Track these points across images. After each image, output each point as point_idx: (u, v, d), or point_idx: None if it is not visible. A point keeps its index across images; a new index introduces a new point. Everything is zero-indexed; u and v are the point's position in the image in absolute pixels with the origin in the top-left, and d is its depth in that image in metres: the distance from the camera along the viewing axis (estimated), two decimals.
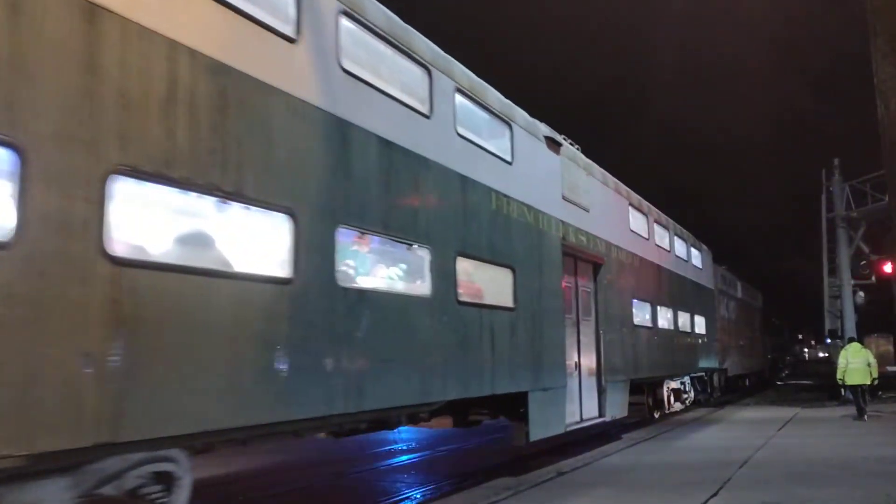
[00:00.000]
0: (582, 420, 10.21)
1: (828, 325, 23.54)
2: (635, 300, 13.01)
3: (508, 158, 8.31)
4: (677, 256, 16.43)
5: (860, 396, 14.94)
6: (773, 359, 38.80)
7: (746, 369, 26.05)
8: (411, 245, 6.28)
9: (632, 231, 13.07)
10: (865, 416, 14.67)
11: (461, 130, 7.21)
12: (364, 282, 5.73)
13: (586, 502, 6.80)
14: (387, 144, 5.94)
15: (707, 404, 20.11)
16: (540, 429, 8.52)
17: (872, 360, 15.38)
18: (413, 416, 6.92)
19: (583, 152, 13.29)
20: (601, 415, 10.88)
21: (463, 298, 7.08)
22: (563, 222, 9.73)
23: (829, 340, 24.57)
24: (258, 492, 8.30)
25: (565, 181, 9.99)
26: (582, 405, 10.26)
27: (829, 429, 13.22)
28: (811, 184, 24.89)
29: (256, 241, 4.73)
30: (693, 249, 18.35)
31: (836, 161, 23.23)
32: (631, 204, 13.20)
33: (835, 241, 22.80)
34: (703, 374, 19.36)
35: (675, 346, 15.77)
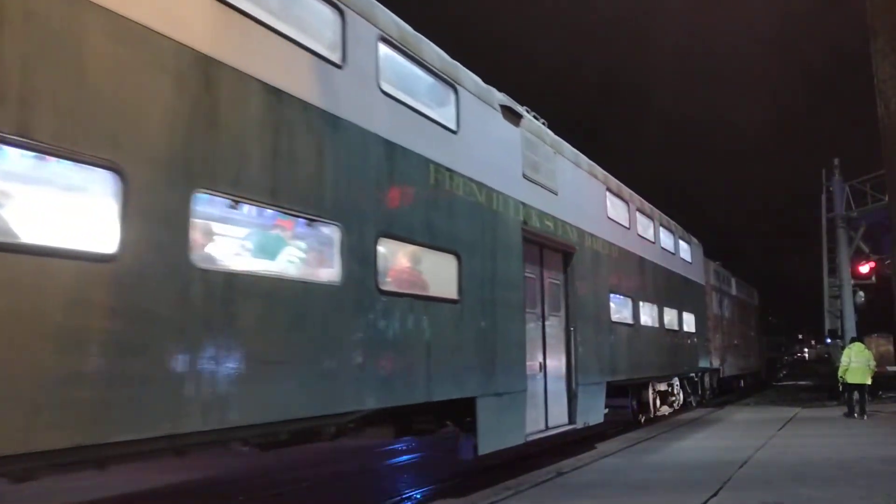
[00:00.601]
0: (548, 428, 9.06)
1: (828, 325, 23.47)
2: (614, 295, 11.86)
3: (452, 127, 7.16)
4: (663, 249, 15.28)
5: (860, 395, 15.17)
6: (771, 359, 37.64)
7: (741, 370, 24.90)
8: (311, 221, 5.13)
9: (610, 219, 11.92)
10: (865, 416, 14.87)
11: (387, 88, 6.06)
12: (237, 263, 4.58)
13: (586, 502, 6.77)
14: (275, 94, 4.79)
15: (699, 407, 19.03)
16: (491, 439, 7.37)
17: (873, 362, 15.65)
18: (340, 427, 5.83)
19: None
20: (572, 421, 9.74)
21: (387, 287, 5.94)
22: (523, 204, 8.58)
23: (828, 340, 24.68)
24: (258, 491, 8.24)
25: (527, 158, 8.84)
26: (548, 411, 9.11)
27: (829, 429, 13.09)
28: (811, 183, 24.99)
29: None
30: (681, 242, 17.20)
31: (836, 161, 23.18)
32: (609, 189, 12.05)
33: (835, 241, 22.81)
34: (694, 375, 18.22)
35: (661, 345, 14.62)
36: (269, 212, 4.80)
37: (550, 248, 9.54)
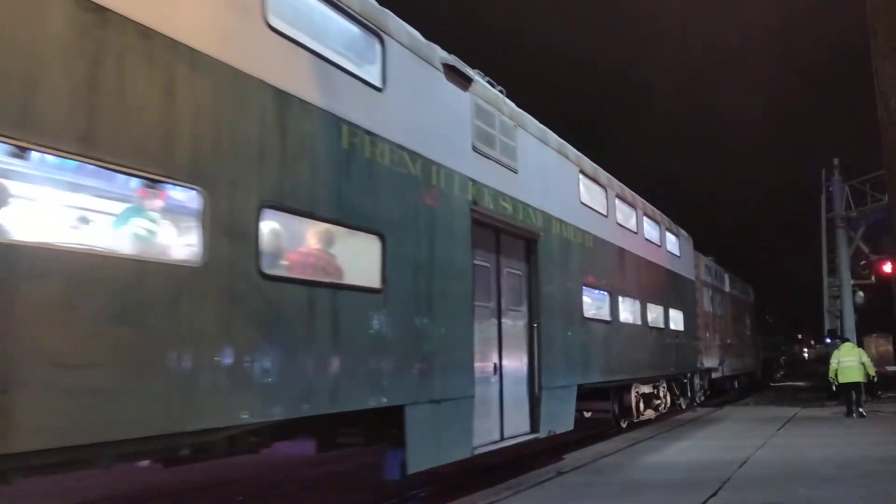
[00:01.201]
0: (503, 438, 7.93)
1: (827, 325, 23.52)
2: (588, 288, 10.72)
3: (376, 83, 6.00)
4: (647, 240, 14.14)
5: (857, 394, 15.14)
6: (767, 359, 36.52)
7: (735, 370, 23.76)
8: (154, 182, 3.98)
9: (584, 205, 10.77)
10: (863, 414, 14.84)
11: (278, 24, 4.90)
12: (24, 232, 3.42)
13: (586, 502, 6.74)
14: (97, 11, 3.63)
15: (689, 410, 17.89)
16: (426, 454, 6.24)
17: (865, 359, 15.55)
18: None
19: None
20: (534, 430, 8.59)
21: (276, 271, 4.80)
22: (473, 181, 7.44)
23: (828, 340, 24.75)
24: (258, 491, 8.11)
25: (479, 130, 7.69)
26: (504, 419, 7.97)
27: (828, 428, 13.02)
28: (811, 183, 24.93)
29: None
30: (668, 234, 16.06)
31: (835, 161, 23.06)
32: (583, 172, 10.90)
33: (834, 241, 22.75)
34: (683, 376, 17.08)
35: (644, 344, 13.48)
36: (89, 167, 3.63)
37: (509, 233, 8.40)
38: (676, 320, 16.05)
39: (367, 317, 5.59)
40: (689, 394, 17.87)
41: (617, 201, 12.45)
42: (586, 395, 12.09)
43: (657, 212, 15.30)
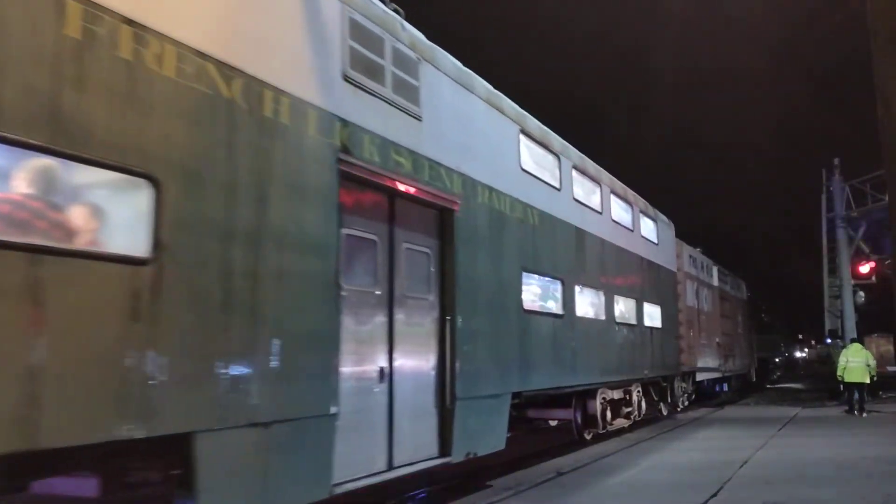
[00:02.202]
0: (392, 467, 5.99)
1: (828, 325, 23.63)
2: (531, 274, 8.79)
3: None
4: (615, 222, 12.20)
5: (860, 394, 15.51)
6: (763, 359, 34.57)
7: (725, 371, 21.82)
8: None
9: (526, 173, 8.83)
10: (864, 414, 15.16)
11: None
12: None
13: (586, 502, 6.74)
14: None
15: (670, 416, 16.01)
16: (237, 498, 4.31)
17: (872, 361, 16.01)
18: None
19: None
20: (445, 452, 6.67)
21: None
22: (343, 122, 5.49)
23: (829, 340, 24.80)
24: None
25: (355, 54, 5.73)
26: (394, 441, 6.03)
27: (829, 428, 12.99)
28: (811, 183, 25.05)
29: None
30: (644, 218, 14.12)
31: (836, 161, 23.08)
32: (525, 132, 8.95)
33: (835, 241, 22.79)
34: (662, 379, 15.14)
35: (611, 343, 11.56)
36: None
37: (410, 199, 6.45)
38: (653, 316, 14.12)
39: (120, 302, 3.65)
40: (669, 399, 15.93)
41: (575, 174, 10.51)
42: (544, 402, 10.35)
43: (630, 192, 13.36)
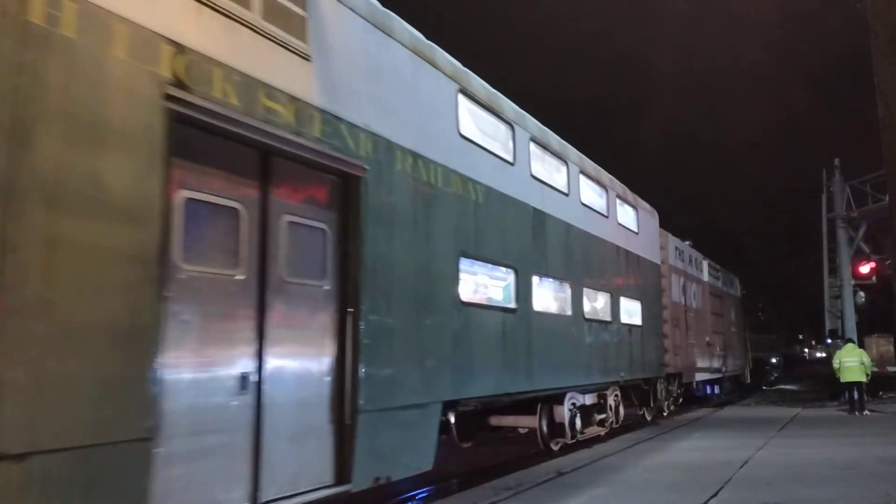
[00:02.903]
0: (257, 503, 4.61)
1: (828, 325, 23.60)
2: (472, 262, 7.44)
3: None
4: (586, 206, 10.84)
5: (858, 393, 15.62)
6: (759, 360, 33.20)
7: (715, 372, 20.45)
8: None
9: (467, 140, 7.47)
10: (865, 412, 15.28)
11: None
12: None
13: (586, 502, 6.72)
14: None
15: (654, 422, 14.67)
16: None
17: (866, 359, 16.09)
18: None
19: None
20: (342, 480, 5.30)
21: None
22: (176, 46, 4.12)
23: (829, 340, 24.70)
24: None
25: None
26: (261, 469, 4.66)
27: (829, 429, 13.00)
28: (812, 184, 25.12)
29: None
30: (622, 204, 12.76)
31: (836, 161, 23.04)
32: (466, 93, 7.58)
33: (835, 241, 22.81)
34: (644, 382, 13.77)
35: (580, 341, 10.21)
36: None
37: (293, 159, 5.08)
38: (631, 312, 12.77)
39: None
40: (652, 403, 14.56)
41: (534, 148, 9.15)
42: (508, 408, 9.05)
43: (604, 173, 12.00)
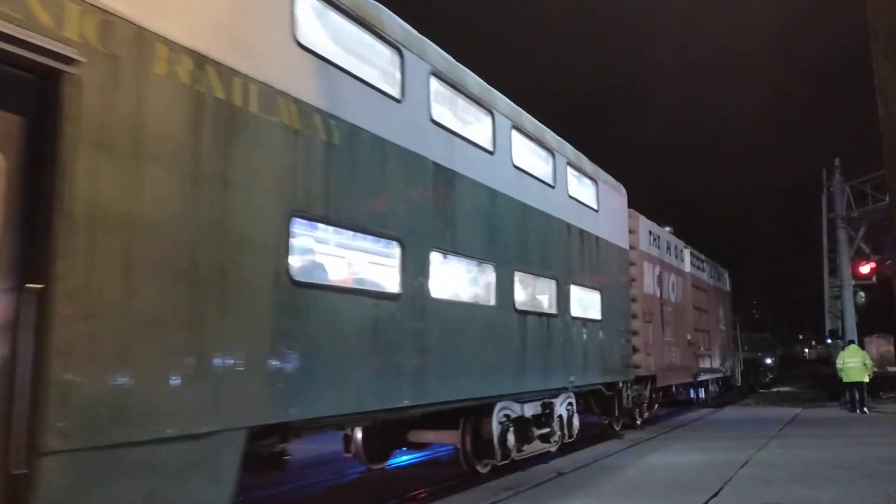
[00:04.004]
0: None
1: (828, 326, 23.53)
2: (311, 224, 5.29)
3: None
4: (521, 171, 8.69)
5: (859, 393, 16.01)
6: (752, 360, 31.03)
7: (696, 375, 18.30)
8: None
9: (312, 55, 5.29)
10: (865, 410, 15.65)
11: None
12: None
13: (587, 502, 6.72)
14: None
15: (624, 432, 12.61)
16: None
17: (868, 361, 16.59)
18: None
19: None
20: None
21: None
22: None
23: (829, 341, 24.77)
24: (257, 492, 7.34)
25: None
26: None
27: (829, 429, 13.01)
28: (812, 184, 25.07)
29: None
30: (577, 174, 10.62)
31: (836, 161, 22.94)
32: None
33: (835, 242, 22.72)
34: (604, 387, 11.63)
35: (508, 339, 8.09)
36: None
37: None
38: (587, 304, 10.64)
39: None
40: (617, 411, 12.41)
41: (437, 85, 7.00)
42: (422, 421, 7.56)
43: (551, 134, 9.84)
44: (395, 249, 6.12)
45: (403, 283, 6.12)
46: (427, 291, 6.45)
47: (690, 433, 12.81)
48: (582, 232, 10.42)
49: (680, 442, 11.41)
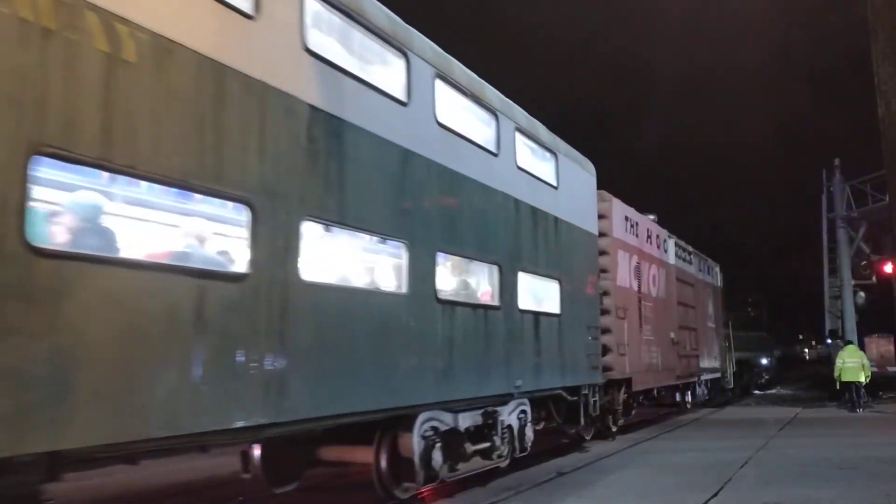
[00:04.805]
0: None
1: (828, 326, 23.49)
2: (75, 169, 3.74)
3: None
4: (449, 131, 7.13)
5: (857, 392, 16.48)
6: (745, 361, 29.47)
7: (680, 377, 16.74)
8: None
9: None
10: (860, 410, 16.16)
11: None
12: None
13: (587, 502, 6.72)
14: None
15: (594, 441, 11.10)
16: None
17: (866, 361, 16.96)
18: None
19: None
20: None
21: None
22: None
23: (829, 341, 24.69)
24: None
25: None
26: None
27: (829, 429, 12.93)
28: (812, 184, 25.26)
29: None
30: (529, 143, 9.05)
31: (836, 161, 22.94)
32: None
33: (835, 242, 22.75)
34: (565, 392, 10.06)
35: (428, 337, 6.55)
36: None
37: None
38: (542, 296, 9.10)
39: None
40: (583, 419, 10.83)
41: (325, 12, 5.44)
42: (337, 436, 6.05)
43: (494, 92, 8.27)
44: (243, 215, 4.57)
45: (254, 260, 4.57)
46: (294, 272, 4.90)
47: (690, 433, 12.85)
48: (535, 210, 8.86)
49: (680, 442, 11.46)
